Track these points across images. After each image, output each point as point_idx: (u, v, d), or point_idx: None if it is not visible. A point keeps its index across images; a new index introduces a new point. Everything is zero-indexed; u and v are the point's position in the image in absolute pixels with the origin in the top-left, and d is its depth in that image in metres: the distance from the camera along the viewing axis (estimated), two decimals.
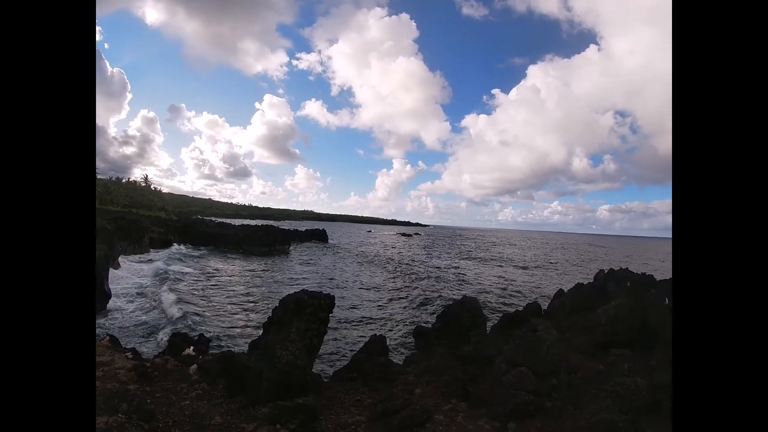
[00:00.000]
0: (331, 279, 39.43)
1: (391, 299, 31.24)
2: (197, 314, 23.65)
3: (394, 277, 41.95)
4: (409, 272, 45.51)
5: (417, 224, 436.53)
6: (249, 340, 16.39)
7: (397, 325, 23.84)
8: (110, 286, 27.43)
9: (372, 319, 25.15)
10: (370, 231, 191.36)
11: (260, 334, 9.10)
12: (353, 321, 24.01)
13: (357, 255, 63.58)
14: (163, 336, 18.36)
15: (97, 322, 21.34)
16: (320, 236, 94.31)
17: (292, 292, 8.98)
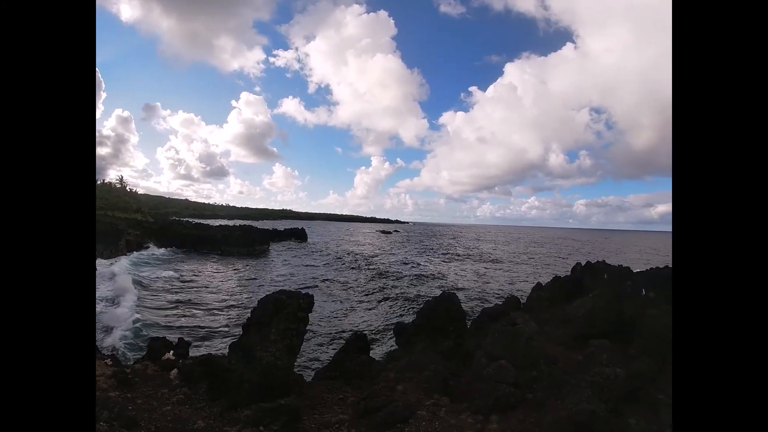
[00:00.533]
0: (311, 278, 39.31)
1: (370, 297, 31.33)
2: (172, 317, 23.31)
3: (374, 275, 42.04)
4: (387, 270, 45.70)
5: (396, 221, 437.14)
6: (229, 342, 16.22)
7: (377, 323, 23.92)
8: None
9: (352, 317, 25.19)
10: (349, 229, 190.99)
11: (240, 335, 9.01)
12: (333, 320, 24.01)
13: (336, 254, 63.47)
14: (134, 340, 18.08)
15: None
16: (299, 235, 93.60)
17: (272, 292, 8.92)
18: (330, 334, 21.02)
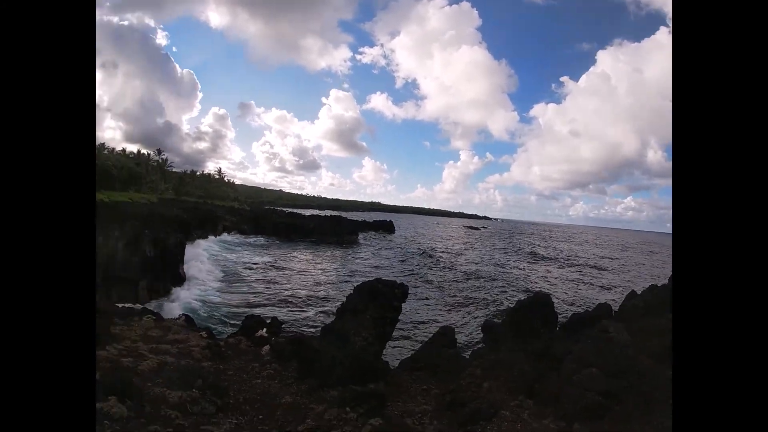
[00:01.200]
0: (398, 271, 39.80)
1: (455, 293, 31.08)
2: (264, 298, 24.91)
3: (459, 273, 41.55)
4: (473, 268, 44.91)
5: (485, 217, 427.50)
6: (319, 325, 16.90)
7: (465, 318, 23.75)
8: (185, 270, 29.58)
9: (436, 311, 25.21)
10: (437, 223, 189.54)
11: (332, 319, 9.42)
12: (417, 313, 24.18)
13: (422, 248, 63.55)
14: (231, 317, 19.59)
15: (172, 302, 23.11)
16: (387, 227, 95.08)
17: (362, 280, 9.25)
18: (414, 326, 21.26)
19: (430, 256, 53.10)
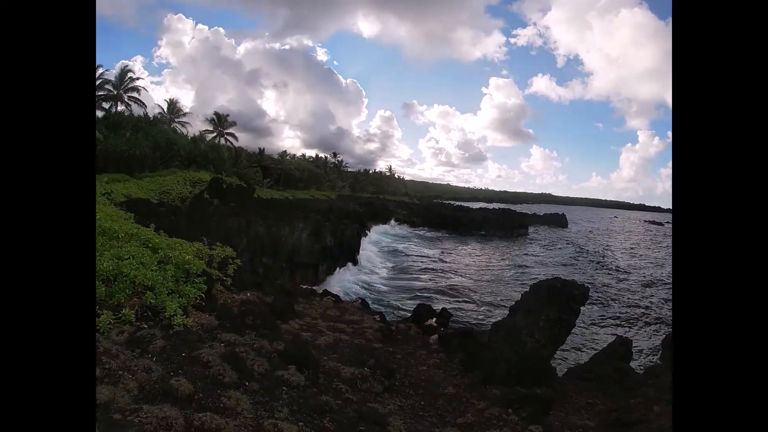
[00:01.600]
0: (570, 272, 37.14)
1: (637, 298, 27.89)
2: (434, 289, 25.64)
3: (642, 272, 37.06)
4: (655, 277, 39.36)
5: (669, 210, 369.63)
6: (484, 319, 16.76)
7: (643, 329, 21.30)
8: (359, 258, 32.14)
9: (615, 318, 23.02)
10: (615, 217, 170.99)
11: (502, 315, 9.25)
12: (594, 317, 22.39)
13: (599, 244, 58.26)
14: (400, 305, 20.61)
15: (348, 287, 25.26)
16: (559, 221, 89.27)
17: (531, 277, 8.92)
18: (590, 330, 19.76)
19: (605, 256, 48.39)
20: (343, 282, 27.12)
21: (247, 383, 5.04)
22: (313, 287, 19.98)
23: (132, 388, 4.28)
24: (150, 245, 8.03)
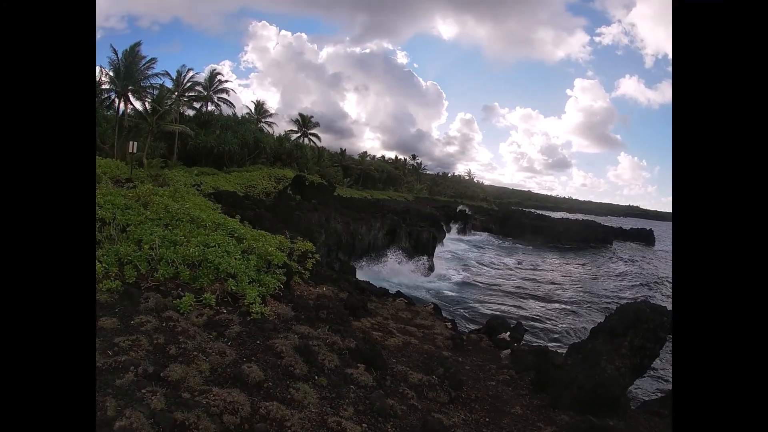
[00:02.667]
0: (655, 294, 34.31)
1: None
2: (509, 302, 24.75)
3: None
4: None
5: None
6: (558, 337, 15.83)
7: None
8: (434, 262, 31.81)
9: None
10: None
11: (581, 338, 8.71)
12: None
13: None
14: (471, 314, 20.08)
15: (421, 289, 25.05)
16: (645, 238, 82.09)
17: (611, 299, 8.28)
18: (667, 363, 18.06)
19: None
20: (415, 284, 27.03)
21: (316, 377, 5.09)
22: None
23: (204, 370, 4.46)
24: (235, 235, 8.42)
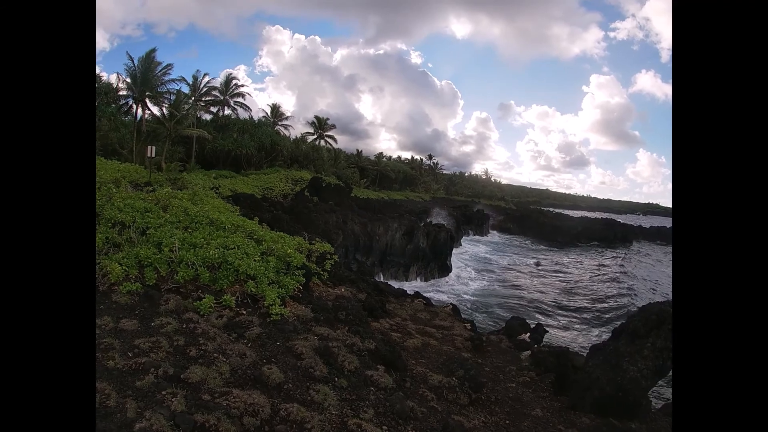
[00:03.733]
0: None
1: None
2: (526, 303, 24.47)
3: None
4: None
5: None
6: (576, 338, 15.54)
7: None
8: (452, 262, 31.66)
9: None
10: None
11: (602, 338, 8.54)
12: None
13: None
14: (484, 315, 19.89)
15: (437, 291, 24.92)
16: (666, 236, 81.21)
17: (630, 299, 8.11)
18: None
19: None
20: (432, 284, 26.94)
21: (336, 379, 5.08)
22: (404, 285, 20.04)
23: (224, 371, 4.48)
24: (254, 237, 8.47)
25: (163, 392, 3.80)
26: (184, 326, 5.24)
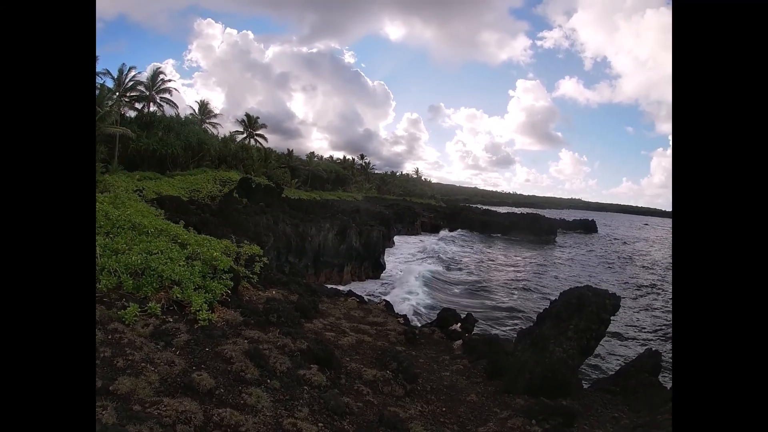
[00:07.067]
0: (600, 278, 36.29)
1: (670, 311, 26.92)
2: (459, 296, 25.38)
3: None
4: None
5: None
6: (509, 327, 16.36)
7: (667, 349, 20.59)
8: (385, 260, 32.17)
9: (646, 330, 22.30)
10: (645, 224, 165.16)
11: (528, 324, 9.04)
12: (624, 328, 21.74)
13: (630, 252, 56.64)
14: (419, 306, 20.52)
15: (374, 288, 25.23)
16: (588, 227, 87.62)
17: (558, 285, 8.71)
18: (617, 341, 19.17)
19: (639, 265, 47.00)
20: (367, 284, 27.22)
21: (268, 381, 5.05)
22: (337, 286, 20.07)
23: (153, 381, 4.34)
24: (179, 241, 8.18)
25: None
26: (110, 337, 4.99)
